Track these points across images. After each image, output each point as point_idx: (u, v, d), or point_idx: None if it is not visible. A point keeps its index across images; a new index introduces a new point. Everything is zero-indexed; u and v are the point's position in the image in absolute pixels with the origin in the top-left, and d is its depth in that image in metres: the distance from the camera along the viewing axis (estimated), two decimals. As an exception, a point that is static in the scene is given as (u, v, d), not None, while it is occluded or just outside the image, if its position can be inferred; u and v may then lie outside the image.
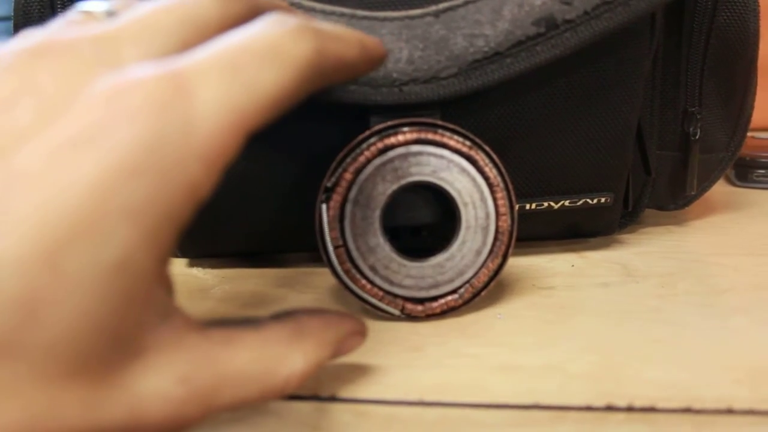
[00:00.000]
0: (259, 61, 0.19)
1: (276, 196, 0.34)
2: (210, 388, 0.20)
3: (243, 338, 0.21)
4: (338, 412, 0.25)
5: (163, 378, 0.19)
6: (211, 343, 0.20)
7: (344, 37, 0.23)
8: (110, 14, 0.22)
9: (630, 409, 0.24)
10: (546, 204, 0.35)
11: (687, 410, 0.24)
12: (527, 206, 0.35)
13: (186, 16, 0.20)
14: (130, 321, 0.18)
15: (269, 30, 0.20)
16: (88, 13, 0.22)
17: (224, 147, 0.18)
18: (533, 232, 0.37)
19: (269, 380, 0.21)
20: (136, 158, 0.17)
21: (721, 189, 0.51)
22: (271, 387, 0.21)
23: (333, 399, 0.25)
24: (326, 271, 0.30)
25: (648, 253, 0.38)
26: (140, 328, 0.18)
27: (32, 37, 0.20)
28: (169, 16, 0.20)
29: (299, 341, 0.22)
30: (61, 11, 0.36)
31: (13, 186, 0.16)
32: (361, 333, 0.25)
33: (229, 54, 0.19)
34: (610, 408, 0.24)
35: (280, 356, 0.21)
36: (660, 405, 0.24)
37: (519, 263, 0.37)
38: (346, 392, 0.25)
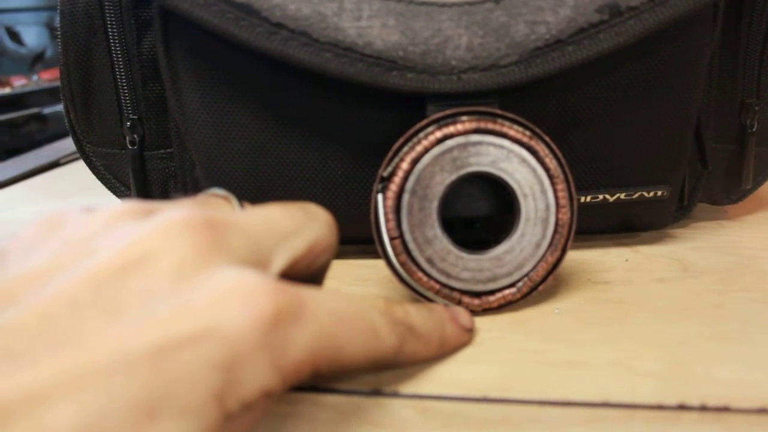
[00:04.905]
0: (352, 332, 0.22)
1: (330, 184, 0.33)
2: None
3: None
4: (400, 408, 0.24)
5: None
6: None
7: (429, 336, 0.26)
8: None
9: (703, 408, 0.23)
10: (601, 197, 0.34)
11: (762, 411, 0.23)
12: (582, 199, 0.34)
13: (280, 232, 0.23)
14: None
15: (368, 308, 0.23)
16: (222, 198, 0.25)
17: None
18: (586, 226, 0.36)
19: None
20: None
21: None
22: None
23: (395, 395, 0.24)
24: (376, 263, 0.30)
25: (703, 248, 0.37)
26: None
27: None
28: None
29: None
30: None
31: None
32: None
33: (334, 312, 0.21)
34: (682, 407, 0.23)
35: None
36: (734, 405, 0.23)
37: (572, 257, 0.36)
38: (408, 388, 0.25)
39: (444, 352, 0.26)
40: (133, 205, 0.22)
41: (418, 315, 0.26)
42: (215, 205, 0.25)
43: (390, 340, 0.23)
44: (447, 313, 0.27)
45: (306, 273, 0.24)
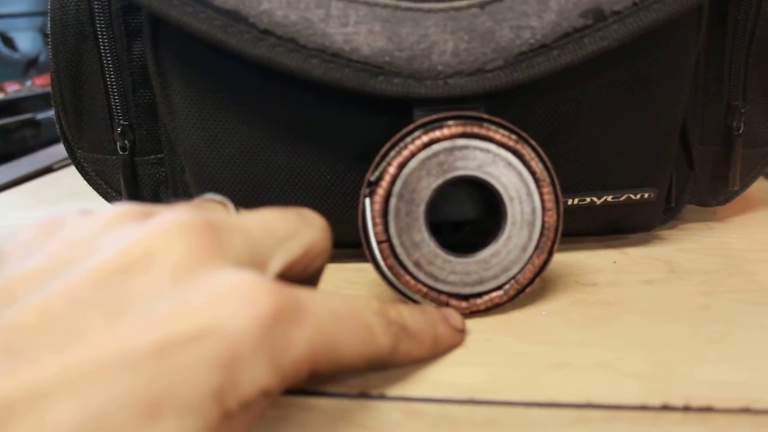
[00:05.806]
0: (349, 331, 0.22)
1: (319, 189, 0.33)
2: None
3: None
4: (387, 410, 0.24)
5: None
6: None
7: (422, 336, 0.26)
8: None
9: (687, 408, 0.24)
10: (588, 199, 0.35)
11: (746, 410, 0.23)
12: (569, 201, 0.34)
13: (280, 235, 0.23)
14: None
15: (363, 308, 0.23)
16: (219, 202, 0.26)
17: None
18: (574, 228, 0.36)
19: None
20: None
21: (759, 186, 0.50)
22: None
23: (382, 397, 0.25)
24: (364, 266, 0.30)
25: (690, 250, 0.38)
26: None
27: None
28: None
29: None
30: (98, 6, 0.35)
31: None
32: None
33: (331, 312, 0.22)
34: (666, 407, 0.24)
35: None
36: (717, 405, 0.24)
37: (559, 259, 0.36)
38: (395, 390, 0.25)
39: (437, 352, 0.27)
40: (131, 207, 0.22)
41: (410, 315, 0.26)
42: (212, 209, 0.25)
43: (385, 340, 0.24)
44: (438, 314, 0.28)
45: (301, 277, 0.25)
